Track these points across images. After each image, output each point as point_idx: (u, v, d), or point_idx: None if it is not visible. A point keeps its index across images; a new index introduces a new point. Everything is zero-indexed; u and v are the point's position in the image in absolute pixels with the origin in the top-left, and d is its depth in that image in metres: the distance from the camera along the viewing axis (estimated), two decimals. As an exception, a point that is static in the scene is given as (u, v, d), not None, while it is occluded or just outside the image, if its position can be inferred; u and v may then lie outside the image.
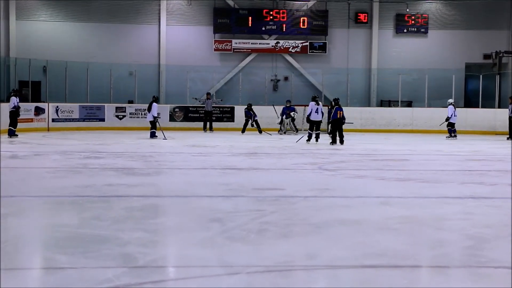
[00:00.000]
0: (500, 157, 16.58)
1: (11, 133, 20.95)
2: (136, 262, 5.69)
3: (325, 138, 21.92)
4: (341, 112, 19.77)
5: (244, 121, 26.53)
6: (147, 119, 23.32)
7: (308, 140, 20.83)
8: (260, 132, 26.07)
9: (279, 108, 26.95)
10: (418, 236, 6.96)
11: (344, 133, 20.02)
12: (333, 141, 19.68)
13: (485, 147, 20.17)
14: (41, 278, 5.41)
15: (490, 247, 6.41)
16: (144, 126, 27.25)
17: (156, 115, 22.44)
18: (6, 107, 21.76)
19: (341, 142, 19.52)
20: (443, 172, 13.24)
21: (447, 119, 24.09)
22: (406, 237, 6.85)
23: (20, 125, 22.34)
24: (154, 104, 22.57)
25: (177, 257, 6.06)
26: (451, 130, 23.99)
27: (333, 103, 20.67)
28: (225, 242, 6.50)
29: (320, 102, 21.64)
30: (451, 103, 24.44)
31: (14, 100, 21.21)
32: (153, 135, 22.14)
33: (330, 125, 21.15)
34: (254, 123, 26.29)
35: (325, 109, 22.32)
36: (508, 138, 23.49)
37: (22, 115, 23.13)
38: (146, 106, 28.02)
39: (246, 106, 26.83)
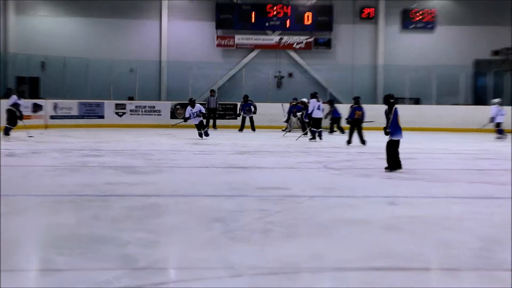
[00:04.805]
0: (509, 155, 16.50)
1: (6, 131, 20.62)
2: (137, 263, 5.65)
3: (326, 136, 21.85)
4: (360, 112, 19.26)
5: (241, 118, 26.21)
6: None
7: (312, 138, 20.76)
8: (254, 129, 25.83)
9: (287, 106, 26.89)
10: (426, 236, 6.91)
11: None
12: (349, 141, 19.13)
13: (494, 146, 20.11)
14: (38, 279, 5.38)
15: (501, 249, 6.35)
16: (144, 123, 27.30)
17: (187, 116, 21.21)
18: (3, 104, 21.61)
19: (362, 142, 18.96)
20: (451, 171, 13.20)
21: (491, 120, 23.48)
22: (414, 238, 6.81)
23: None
24: (188, 107, 21.44)
25: (179, 258, 6.03)
26: (500, 130, 23.21)
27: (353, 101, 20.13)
28: (228, 243, 6.46)
29: (320, 99, 21.54)
30: (496, 102, 23.69)
31: (14, 98, 20.96)
32: (201, 135, 21.32)
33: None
34: (249, 118, 25.89)
35: (325, 106, 22.11)
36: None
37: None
38: (146, 103, 28.25)
39: (242, 100, 26.41)
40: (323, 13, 32.02)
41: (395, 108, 12.56)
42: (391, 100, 12.66)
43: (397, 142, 12.49)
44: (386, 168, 12.51)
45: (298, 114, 25.74)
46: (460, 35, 32.43)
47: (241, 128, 26.02)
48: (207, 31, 32.02)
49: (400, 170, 12.46)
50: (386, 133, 12.55)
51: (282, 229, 7.13)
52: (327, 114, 25.06)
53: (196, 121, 21.22)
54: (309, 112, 21.19)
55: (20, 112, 20.93)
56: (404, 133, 12.79)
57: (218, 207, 8.43)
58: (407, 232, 7.11)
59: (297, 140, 20.86)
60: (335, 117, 24.96)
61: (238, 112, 26.93)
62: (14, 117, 20.86)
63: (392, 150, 12.49)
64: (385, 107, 12.78)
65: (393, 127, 12.42)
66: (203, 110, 21.50)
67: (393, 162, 12.48)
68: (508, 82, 29.93)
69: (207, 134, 21.38)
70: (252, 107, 25.96)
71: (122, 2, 31.43)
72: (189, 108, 21.36)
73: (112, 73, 29.47)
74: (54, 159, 14.52)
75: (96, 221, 7.41)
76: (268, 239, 6.66)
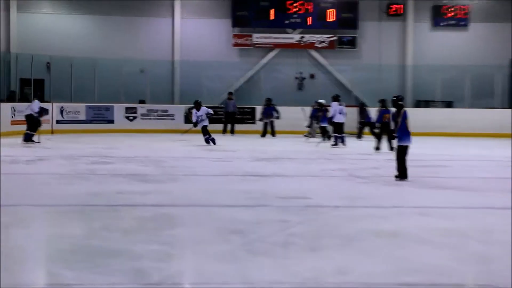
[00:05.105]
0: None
1: (27, 138, 20.61)
2: (150, 278, 5.68)
3: (353, 142, 21.78)
4: (388, 115, 19.05)
5: (263, 124, 26.34)
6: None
7: (335, 144, 20.70)
8: (274, 135, 25.93)
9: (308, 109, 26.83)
10: (461, 250, 6.89)
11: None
12: (378, 147, 19.15)
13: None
14: (46, 294, 5.43)
15: (542, 264, 6.31)
16: (157, 129, 27.37)
17: (195, 121, 21.36)
18: (7, 107, 21.70)
19: (391, 148, 18.61)
20: (488, 179, 13.13)
21: None
22: (448, 252, 6.79)
23: (20, 127, 22.30)
24: (194, 110, 21.67)
25: (195, 272, 6.05)
26: None
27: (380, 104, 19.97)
28: (247, 256, 6.48)
29: (342, 102, 21.49)
30: None
31: (37, 103, 21.04)
32: (207, 140, 20.95)
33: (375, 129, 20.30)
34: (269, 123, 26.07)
35: (354, 110, 21.97)
36: None
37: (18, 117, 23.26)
38: (159, 106, 28.37)
39: (264, 104, 26.61)
40: (348, 10, 31.93)
41: (404, 111, 12.50)
42: (400, 103, 12.65)
43: (406, 148, 12.37)
44: (396, 177, 12.44)
45: None
46: (496, 32, 32.20)
47: (263, 134, 26.07)
48: (223, 29, 32.03)
49: (432, 179, 12.40)
50: (393, 138, 12.52)
51: (304, 241, 7.14)
52: (361, 120, 24.92)
53: (200, 126, 21.20)
54: (331, 116, 21.18)
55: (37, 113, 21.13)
56: (436, 138, 12.81)
57: (236, 218, 8.45)
58: (439, 245, 7.09)
59: (317, 146, 20.83)
60: (366, 122, 24.75)
61: (260, 117, 26.87)
62: (34, 122, 20.98)
63: (401, 156, 12.40)
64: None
65: (401, 132, 12.34)
66: (211, 112, 21.56)
67: (403, 170, 12.42)
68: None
69: (207, 142, 20.91)
70: (274, 112, 26.06)
71: (132, -1, 31.56)
72: (194, 111, 21.52)
73: (122, 74, 29.54)
74: (61, 166, 14.60)
75: (106, 232, 7.45)
76: (289, 252, 6.67)
